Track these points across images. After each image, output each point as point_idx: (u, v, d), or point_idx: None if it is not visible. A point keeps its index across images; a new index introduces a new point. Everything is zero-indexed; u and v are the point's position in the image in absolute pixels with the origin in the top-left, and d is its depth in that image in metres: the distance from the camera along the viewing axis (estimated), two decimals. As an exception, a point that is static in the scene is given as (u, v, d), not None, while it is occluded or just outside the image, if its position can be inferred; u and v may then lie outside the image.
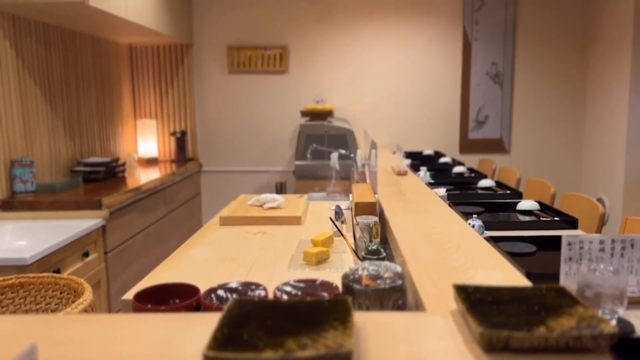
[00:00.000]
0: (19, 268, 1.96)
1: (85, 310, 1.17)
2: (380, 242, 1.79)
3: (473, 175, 3.03)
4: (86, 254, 2.46)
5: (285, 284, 1.05)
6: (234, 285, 1.07)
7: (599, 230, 2.16)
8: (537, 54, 4.28)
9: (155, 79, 4.35)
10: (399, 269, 1.26)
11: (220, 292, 1.06)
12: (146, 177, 3.45)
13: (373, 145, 2.40)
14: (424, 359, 0.72)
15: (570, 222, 1.80)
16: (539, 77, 4.31)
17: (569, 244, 1.09)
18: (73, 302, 1.32)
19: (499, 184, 2.67)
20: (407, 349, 0.74)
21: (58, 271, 2.18)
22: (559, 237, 1.61)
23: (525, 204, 2.01)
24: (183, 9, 4.08)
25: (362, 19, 4.25)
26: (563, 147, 4.38)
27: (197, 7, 4.28)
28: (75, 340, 0.77)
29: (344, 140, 3.13)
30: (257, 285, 1.08)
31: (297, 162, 3.09)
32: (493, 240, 1.55)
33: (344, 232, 1.76)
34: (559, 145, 4.38)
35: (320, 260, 1.35)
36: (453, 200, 2.13)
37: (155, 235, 3.36)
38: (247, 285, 1.08)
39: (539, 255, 1.49)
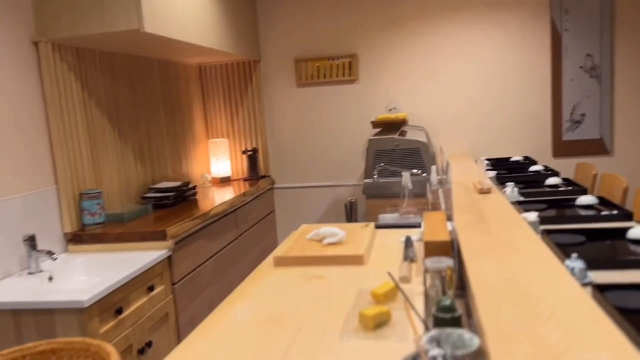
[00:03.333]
0: (78, 311, 1.91)
1: (107, 391, 1.03)
2: (457, 288, 1.53)
3: (570, 188, 2.65)
4: (151, 288, 2.39)
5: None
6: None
7: None
8: (641, 41, 3.75)
9: (225, 98, 4.31)
10: (475, 344, 1.00)
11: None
12: (220, 198, 3.38)
13: (447, 164, 2.13)
14: None
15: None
16: (645, 66, 3.77)
17: None
18: (104, 372, 1.19)
19: (602, 200, 2.28)
20: None
21: (120, 310, 2.12)
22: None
23: (638, 232, 1.66)
24: (248, 25, 4.00)
25: (435, 19, 3.94)
26: (678, 144, 3.80)
27: (263, 22, 4.19)
28: None
29: (417, 154, 2.86)
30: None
31: (367, 181, 2.86)
32: (599, 289, 1.25)
33: (412, 274, 1.52)
34: (674, 142, 3.81)
35: (380, 323, 1.12)
36: (547, 227, 1.81)
37: (226, 260, 3.28)
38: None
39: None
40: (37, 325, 1.92)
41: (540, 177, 2.98)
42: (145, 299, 2.34)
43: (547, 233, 1.78)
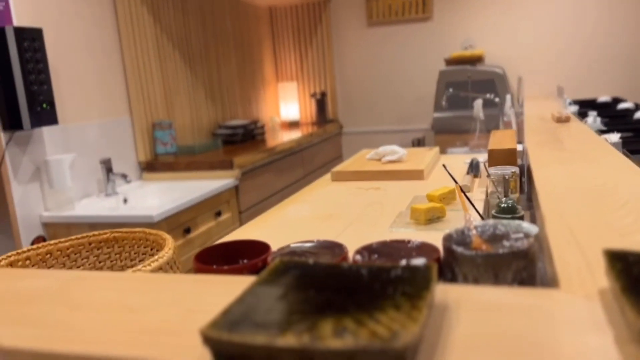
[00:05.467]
0: (148, 225, 2.00)
1: (160, 268, 1.06)
2: (525, 203, 1.45)
3: (662, 120, 2.40)
4: (219, 214, 2.47)
5: (367, 247, 0.82)
6: (307, 245, 0.87)
7: None
8: None
9: (294, 41, 4.28)
10: (534, 230, 0.94)
11: (291, 252, 0.87)
12: (286, 138, 3.40)
13: (523, 98, 2.00)
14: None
15: None
16: None
17: None
18: (161, 259, 1.23)
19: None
20: (518, 348, 0.46)
21: (188, 230, 2.20)
22: None
23: None
24: (318, -38, 3.91)
25: (518, -52, 3.66)
26: None
27: (334, -40, 4.08)
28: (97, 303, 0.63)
29: (491, 85, 2.70)
30: (337, 246, 0.87)
31: (436, 115, 2.75)
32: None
33: (474, 186, 1.45)
34: None
35: (432, 218, 1.08)
36: (630, 148, 1.66)
37: (293, 197, 3.31)
38: (324, 246, 0.87)
39: None
40: (111, 238, 2.04)
41: (629, 112, 2.74)
42: (212, 223, 2.42)
43: (629, 153, 1.63)
